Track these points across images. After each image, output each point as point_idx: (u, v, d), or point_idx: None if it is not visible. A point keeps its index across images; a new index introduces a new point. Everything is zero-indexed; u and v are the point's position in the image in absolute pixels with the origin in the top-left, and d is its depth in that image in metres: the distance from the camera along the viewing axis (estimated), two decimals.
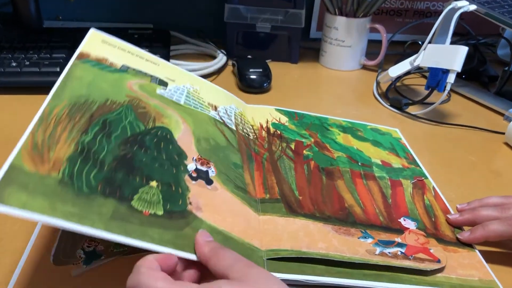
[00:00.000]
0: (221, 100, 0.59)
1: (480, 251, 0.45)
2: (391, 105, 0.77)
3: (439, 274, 0.41)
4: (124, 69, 0.52)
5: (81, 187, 0.35)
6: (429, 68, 0.72)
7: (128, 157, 0.40)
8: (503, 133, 0.68)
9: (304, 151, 0.56)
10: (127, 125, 0.44)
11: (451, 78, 0.69)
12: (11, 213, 0.31)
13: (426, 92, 0.73)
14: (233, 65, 0.85)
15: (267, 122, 0.61)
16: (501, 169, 0.61)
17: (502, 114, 0.74)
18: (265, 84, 0.79)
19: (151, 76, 0.54)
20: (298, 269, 0.39)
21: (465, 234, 0.45)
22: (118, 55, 0.54)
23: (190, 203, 0.39)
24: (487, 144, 0.67)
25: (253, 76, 0.79)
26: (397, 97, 0.78)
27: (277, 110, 0.65)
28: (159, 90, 0.52)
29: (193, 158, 0.45)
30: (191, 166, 0.44)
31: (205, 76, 0.77)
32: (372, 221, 0.46)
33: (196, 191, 0.41)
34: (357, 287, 0.39)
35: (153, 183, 0.39)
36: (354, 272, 0.40)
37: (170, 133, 0.46)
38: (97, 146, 0.39)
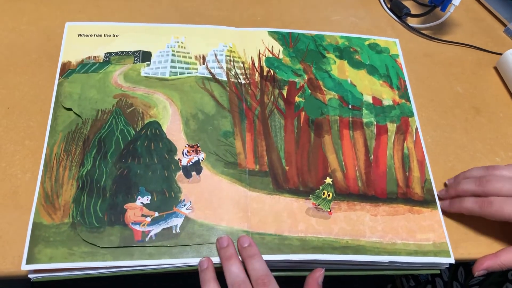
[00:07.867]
0: (209, 42, 0.59)
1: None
2: (391, 10, 0.72)
3: (398, 241, 0.47)
4: (107, 59, 0.55)
5: (92, 222, 0.44)
6: None
7: (124, 174, 0.47)
8: (497, 54, 0.68)
9: (296, 98, 0.56)
10: (119, 135, 0.50)
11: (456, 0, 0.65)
12: (42, 268, 0.42)
13: (429, 6, 0.70)
14: None
15: (259, 56, 0.59)
16: (481, 104, 0.62)
17: (505, 25, 0.72)
18: None
19: (134, 53, 0.56)
20: (277, 249, 0.45)
21: (445, 203, 0.49)
22: (96, 45, 0.56)
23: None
24: (479, 68, 0.67)
25: None
26: (399, 2, 0.72)
27: (270, 33, 0.62)
28: (144, 70, 0.55)
29: (182, 151, 0.50)
30: (182, 161, 0.50)
31: None
32: (350, 189, 0.51)
33: (187, 190, 0.48)
34: (328, 261, 0.46)
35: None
36: (324, 246, 0.46)
37: (159, 127, 0.51)
38: (97, 173, 0.47)
